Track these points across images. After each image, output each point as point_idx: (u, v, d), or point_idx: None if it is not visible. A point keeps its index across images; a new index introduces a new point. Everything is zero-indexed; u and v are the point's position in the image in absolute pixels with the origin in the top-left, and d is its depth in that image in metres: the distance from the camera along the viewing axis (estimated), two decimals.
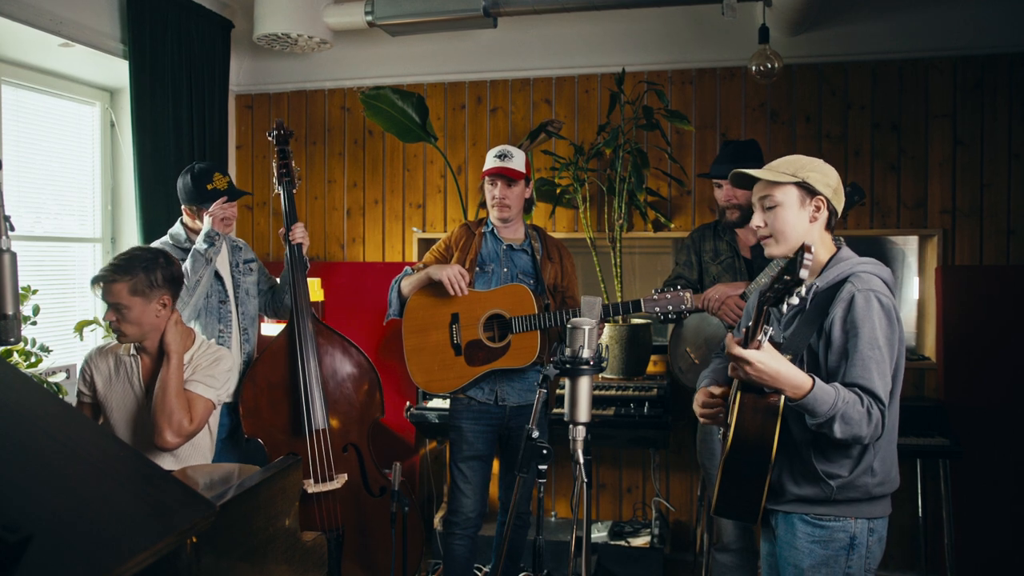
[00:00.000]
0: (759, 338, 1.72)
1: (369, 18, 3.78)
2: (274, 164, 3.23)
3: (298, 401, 3.01)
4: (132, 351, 2.54)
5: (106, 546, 1.03)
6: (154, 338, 2.48)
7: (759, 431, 1.80)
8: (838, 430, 1.75)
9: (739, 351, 1.74)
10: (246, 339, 3.12)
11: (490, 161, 3.03)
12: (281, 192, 3.21)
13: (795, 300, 1.64)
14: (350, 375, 3.13)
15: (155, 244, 2.98)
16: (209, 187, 2.97)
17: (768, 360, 1.73)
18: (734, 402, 1.83)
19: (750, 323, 1.77)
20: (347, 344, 3.14)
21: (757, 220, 1.97)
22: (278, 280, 3.28)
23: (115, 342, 2.59)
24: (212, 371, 2.52)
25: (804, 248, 1.61)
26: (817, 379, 1.76)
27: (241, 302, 3.13)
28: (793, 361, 1.82)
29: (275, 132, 3.23)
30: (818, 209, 1.91)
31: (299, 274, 3.09)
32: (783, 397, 1.77)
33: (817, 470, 1.87)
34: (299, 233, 3.14)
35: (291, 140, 3.25)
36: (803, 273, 1.60)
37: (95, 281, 2.41)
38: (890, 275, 1.92)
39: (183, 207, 3.07)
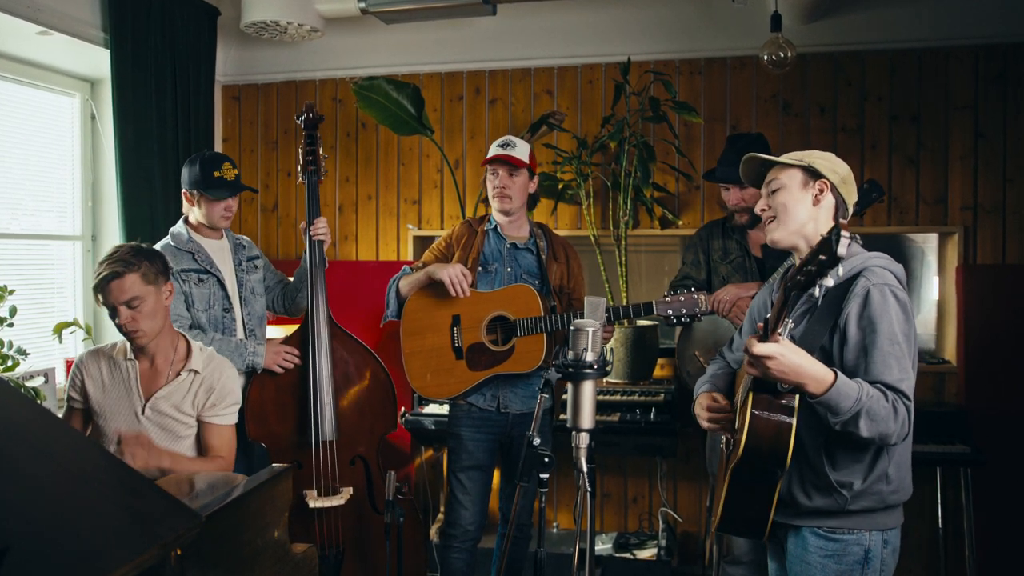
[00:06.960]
0: (779, 331, 1.65)
1: (362, 5, 3.71)
2: (300, 151, 3.11)
3: (306, 408, 2.88)
4: (129, 355, 2.44)
5: (86, 558, 1.02)
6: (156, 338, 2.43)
7: (774, 435, 1.73)
8: (864, 427, 1.69)
9: (760, 348, 1.66)
10: (253, 339, 2.99)
11: (492, 150, 2.95)
12: (305, 182, 3.07)
13: (829, 282, 1.51)
14: (364, 385, 2.99)
15: (157, 245, 2.87)
16: (216, 174, 2.86)
17: (790, 354, 1.66)
18: (745, 404, 1.76)
19: (768, 315, 1.69)
20: (364, 351, 3.00)
21: (762, 204, 1.98)
22: (290, 278, 3.18)
23: (107, 344, 2.51)
24: (230, 400, 2.49)
25: (837, 226, 1.49)
26: (840, 373, 1.71)
27: (247, 301, 3.01)
28: None
29: (304, 115, 3.09)
30: (821, 192, 1.91)
31: (318, 272, 2.95)
32: (798, 397, 1.72)
33: (831, 480, 1.82)
34: (321, 228, 3.01)
35: (320, 125, 3.11)
36: (841, 249, 1.45)
37: (104, 283, 2.33)
38: (902, 271, 1.88)
39: (183, 191, 2.95)
